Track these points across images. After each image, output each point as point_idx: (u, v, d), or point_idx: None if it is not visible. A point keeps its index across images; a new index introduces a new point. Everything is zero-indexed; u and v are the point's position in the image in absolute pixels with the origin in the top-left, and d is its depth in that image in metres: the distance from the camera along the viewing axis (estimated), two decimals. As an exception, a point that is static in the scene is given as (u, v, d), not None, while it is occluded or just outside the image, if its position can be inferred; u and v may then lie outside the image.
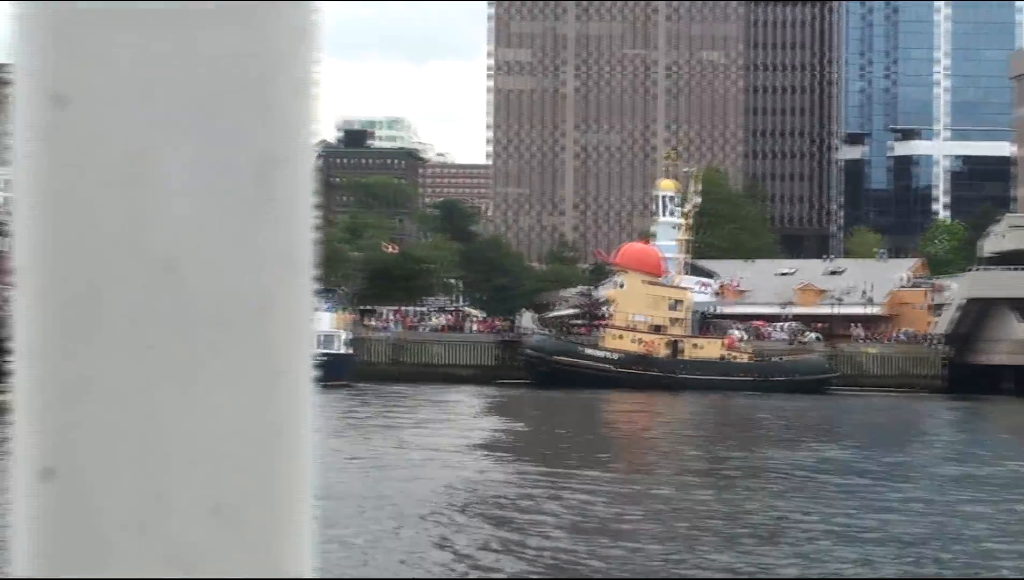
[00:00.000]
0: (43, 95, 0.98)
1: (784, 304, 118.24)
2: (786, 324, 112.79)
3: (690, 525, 28.86)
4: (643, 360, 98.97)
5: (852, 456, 46.31)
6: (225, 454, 1.00)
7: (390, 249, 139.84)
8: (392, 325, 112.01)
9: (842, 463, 43.67)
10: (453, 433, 51.69)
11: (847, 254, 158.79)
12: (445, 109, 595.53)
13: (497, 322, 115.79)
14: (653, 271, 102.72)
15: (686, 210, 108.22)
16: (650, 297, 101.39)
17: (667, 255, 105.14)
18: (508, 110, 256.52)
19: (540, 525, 28.04)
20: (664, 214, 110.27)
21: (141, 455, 0.99)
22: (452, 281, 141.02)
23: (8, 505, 1.02)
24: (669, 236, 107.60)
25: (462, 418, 61.98)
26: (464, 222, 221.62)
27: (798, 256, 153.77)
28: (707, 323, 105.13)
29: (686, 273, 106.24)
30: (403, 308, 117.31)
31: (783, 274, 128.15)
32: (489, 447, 46.75)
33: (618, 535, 27.05)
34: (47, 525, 0.99)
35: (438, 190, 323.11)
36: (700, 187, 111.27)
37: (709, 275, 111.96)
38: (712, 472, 39.40)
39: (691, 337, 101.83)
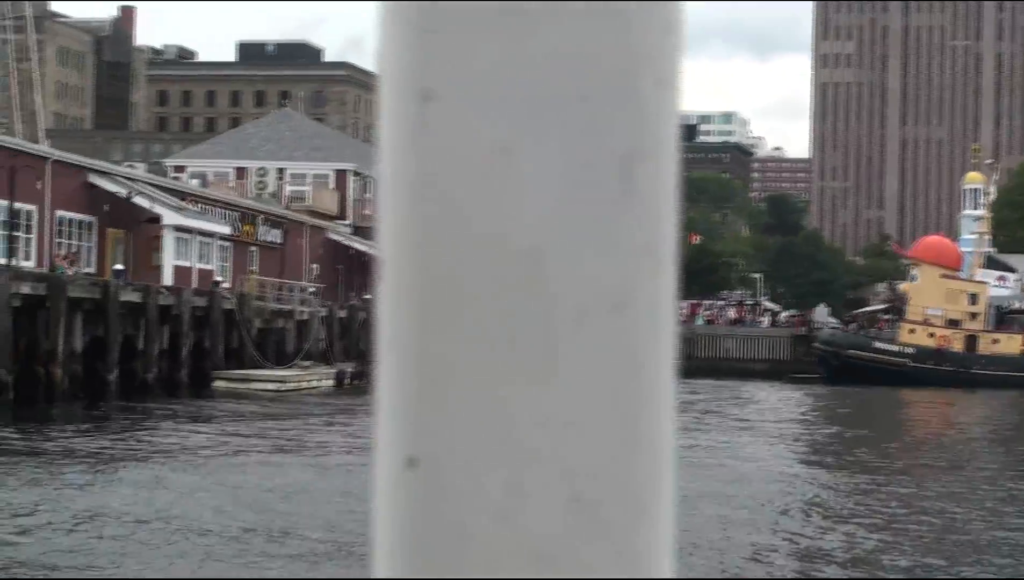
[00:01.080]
0: (411, 91, 1.00)
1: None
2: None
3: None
4: (937, 355, 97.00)
5: None
6: (583, 445, 0.99)
7: (693, 241, 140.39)
8: (696, 319, 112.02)
9: None
10: (757, 428, 50.85)
11: None
12: (783, 104, 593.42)
13: (792, 317, 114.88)
14: (950, 264, 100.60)
15: (986, 202, 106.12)
16: (946, 291, 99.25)
17: (968, 249, 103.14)
18: (831, 103, 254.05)
19: (887, 529, 27.44)
20: (969, 207, 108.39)
21: (500, 444, 0.99)
22: (754, 275, 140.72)
23: (374, 497, 1.03)
24: (971, 229, 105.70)
25: (763, 413, 60.92)
26: (793, 217, 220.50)
27: None
28: (1006, 318, 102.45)
29: (985, 266, 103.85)
30: (700, 302, 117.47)
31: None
32: (800, 445, 46.16)
33: (955, 536, 26.37)
34: (410, 514, 1.00)
35: (768, 185, 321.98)
36: (997, 176, 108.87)
37: (1009, 269, 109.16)
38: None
39: (988, 332, 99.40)
